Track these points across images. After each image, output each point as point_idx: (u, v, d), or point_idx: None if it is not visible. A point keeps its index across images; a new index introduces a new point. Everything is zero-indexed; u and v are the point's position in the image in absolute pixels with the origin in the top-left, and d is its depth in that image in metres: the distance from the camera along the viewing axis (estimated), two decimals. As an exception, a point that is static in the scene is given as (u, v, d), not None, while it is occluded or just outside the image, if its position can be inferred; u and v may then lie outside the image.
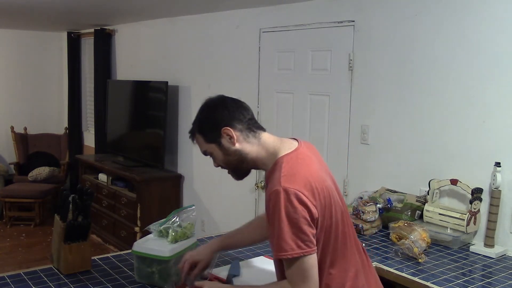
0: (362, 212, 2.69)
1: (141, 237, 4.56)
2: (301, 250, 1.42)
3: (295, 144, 1.60)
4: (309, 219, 1.43)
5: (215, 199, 4.46)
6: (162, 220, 2.01)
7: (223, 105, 1.59)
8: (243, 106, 1.62)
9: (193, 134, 1.63)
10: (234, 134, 1.56)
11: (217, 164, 1.64)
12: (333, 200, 1.53)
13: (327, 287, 1.52)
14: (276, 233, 1.44)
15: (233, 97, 1.63)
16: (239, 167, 1.61)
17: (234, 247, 2.04)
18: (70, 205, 1.99)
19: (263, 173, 4.34)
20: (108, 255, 2.22)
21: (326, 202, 1.50)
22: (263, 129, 1.63)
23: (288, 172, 1.47)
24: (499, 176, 2.46)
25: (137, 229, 4.63)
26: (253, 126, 1.60)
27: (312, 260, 1.45)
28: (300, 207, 1.42)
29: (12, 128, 6.53)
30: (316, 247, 1.45)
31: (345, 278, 1.55)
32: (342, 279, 1.54)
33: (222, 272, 2.00)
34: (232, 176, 1.66)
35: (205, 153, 1.64)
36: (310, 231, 1.44)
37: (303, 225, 1.42)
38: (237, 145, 1.57)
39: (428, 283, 2.06)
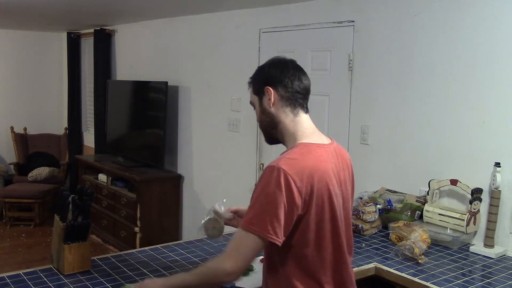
0: (362, 212, 2.69)
1: (141, 238, 4.59)
2: (257, 228, 1.40)
3: (325, 141, 1.59)
4: (287, 208, 1.40)
5: (215, 199, 4.44)
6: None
7: (282, 67, 1.60)
8: (300, 78, 1.60)
9: (250, 80, 1.67)
10: (273, 96, 1.57)
11: (257, 118, 1.66)
12: (330, 208, 1.51)
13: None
14: (250, 204, 1.45)
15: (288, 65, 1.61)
16: (269, 130, 1.63)
17: None
18: (70, 205, 1.99)
19: (263, 173, 4.28)
20: (108, 255, 2.22)
21: (317, 201, 1.47)
22: (306, 111, 1.61)
23: (293, 157, 1.46)
24: (498, 176, 2.46)
25: (137, 229, 4.63)
26: (297, 101, 1.59)
27: (260, 246, 1.43)
28: (284, 193, 1.40)
29: (12, 128, 6.53)
30: (274, 238, 1.41)
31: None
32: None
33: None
34: (264, 137, 1.68)
35: (251, 103, 1.67)
36: (282, 220, 1.40)
37: (278, 210, 1.40)
38: (273, 109, 1.58)
39: (428, 283, 2.06)
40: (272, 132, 1.62)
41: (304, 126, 1.58)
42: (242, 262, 1.44)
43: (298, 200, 1.42)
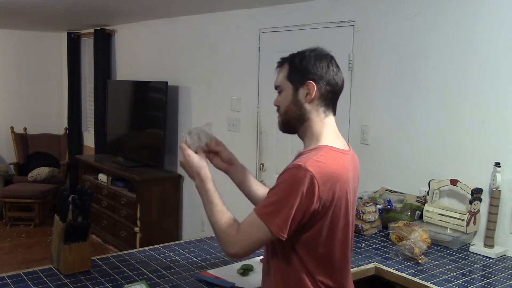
0: (362, 212, 2.68)
1: (140, 238, 4.58)
2: (271, 221, 1.39)
3: (345, 147, 1.55)
4: (304, 211, 1.39)
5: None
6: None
7: (328, 63, 1.52)
8: (340, 77, 1.55)
9: (283, 62, 1.56)
10: (314, 93, 1.50)
11: (277, 104, 1.57)
12: (345, 216, 1.50)
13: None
14: (271, 194, 1.42)
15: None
16: (292, 123, 1.55)
17: (239, 184, 1.85)
18: (70, 206, 1.99)
19: (263, 173, 4.33)
20: (108, 255, 2.22)
21: (335, 209, 1.46)
22: (334, 113, 1.57)
23: (321, 161, 1.42)
24: (498, 176, 2.46)
25: (137, 229, 4.63)
26: (331, 102, 1.54)
27: (266, 238, 1.42)
28: (305, 196, 1.38)
29: (12, 128, 6.53)
30: (282, 236, 1.40)
31: None
32: None
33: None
34: (279, 124, 1.59)
35: (276, 87, 1.57)
36: (293, 220, 1.39)
37: (294, 211, 1.38)
38: (307, 105, 1.51)
39: (428, 283, 2.06)
40: (296, 125, 1.54)
41: (330, 128, 1.54)
42: (248, 249, 1.45)
43: (316, 204, 1.40)
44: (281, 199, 1.40)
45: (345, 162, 1.50)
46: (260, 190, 1.80)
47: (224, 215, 1.50)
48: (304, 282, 1.49)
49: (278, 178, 1.45)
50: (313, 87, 1.49)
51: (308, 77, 1.49)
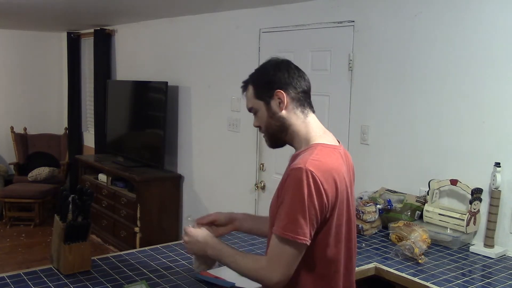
0: (362, 212, 2.68)
1: (140, 238, 4.59)
2: (294, 234, 1.38)
3: (335, 142, 1.57)
4: (318, 211, 1.40)
5: (215, 199, 4.46)
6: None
7: (286, 68, 1.56)
8: (304, 77, 1.58)
9: (246, 85, 1.60)
10: (286, 99, 1.52)
11: (257, 124, 1.60)
12: (347, 211, 1.51)
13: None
14: (282, 208, 1.42)
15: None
16: (277, 135, 1.57)
17: (250, 231, 1.88)
18: (70, 205, 1.99)
19: (263, 173, 4.33)
20: (108, 255, 2.22)
21: (339, 205, 1.47)
22: (313, 110, 1.59)
23: (318, 159, 1.43)
24: (498, 176, 2.46)
25: (136, 229, 4.63)
26: (305, 101, 1.56)
27: (298, 251, 1.41)
28: (315, 195, 1.38)
29: (12, 128, 6.53)
30: (308, 241, 1.41)
31: None
32: None
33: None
34: (267, 141, 1.62)
35: (250, 109, 1.61)
36: (312, 222, 1.40)
37: (309, 213, 1.38)
38: (284, 112, 1.53)
39: (428, 283, 2.06)
40: (281, 136, 1.57)
41: (315, 126, 1.56)
42: (287, 271, 1.42)
43: (326, 201, 1.42)
44: (293, 207, 1.40)
45: (338, 157, 1.52)
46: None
47: (245, 257, 1.52)
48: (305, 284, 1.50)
49: (281, 185, 1.45)
50: (282, 95, 1.52)
51: (274, 87, 1.53)
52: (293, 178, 1.41)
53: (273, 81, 1.53)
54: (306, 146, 1.52)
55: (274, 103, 1.54)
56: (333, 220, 1.47)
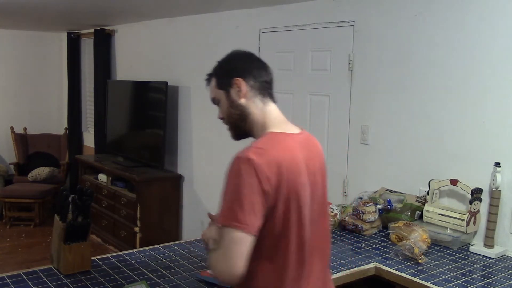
0: (362, 212, 2.69)
1: (140, 238, 4.59)
2: (235, 222, 1.34)
3: (294, 131, 1.54)
4: (260, 198, 1.35)
5: (215, 199, 4.43)
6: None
7: (246, 58, 1.59)
8: (266, 68, 1.59)
9: (210, 76, 1.63)
10: (244, 87, 1.53)
11: (221, 115, 1.62)
12: (296, 198, 1.44)
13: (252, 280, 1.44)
14: (222, 198, 1.41)
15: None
16: (238, 124, 1.57)
17: None
18: (70, 205, 1.99)
19: (263, 173, 4.27)
20: (108, 255, 2.22)
21: (284, 194, 1.41)
22: (274, 101, 1.58)
23: (262, 146, 1.41)
24: (498, 176, 2.46)
25: (136, 229, 4.63)
26: (266, 91, 1.56)
27: (243, 239, 1.35)
28: (255, 183, 1.35)
29: (12, 128, 6.53)
30: (251, 228, 1.35)
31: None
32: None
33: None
34: (231, 133, 1.62)
35: (213, 100, 1.62)
36: (254, 211, 1.35)
37: (248, 202, 1.35)
38: (243, 100, 1.54)
39: (428, 283, 2.06)
40: (242, 125, 1.56)
41: (273, 115, 1.55)
42: (241, 264, 1.36)
43: (269, 189, 1.37)
44: (232, 196, 1.37)
45: (290, 144, 1.48)
46: None
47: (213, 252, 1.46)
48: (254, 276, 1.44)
49: (226, 174, 1.42)
50: (240, 82, 1.53)
51: (233, 75, 1.55)
52: (233, 167, 1.39)
53: (233, 69, 1.56)
54: (261, 135, 1.51)
55: (233, 92, 1.55)
56: (278, 207, 1.41)
